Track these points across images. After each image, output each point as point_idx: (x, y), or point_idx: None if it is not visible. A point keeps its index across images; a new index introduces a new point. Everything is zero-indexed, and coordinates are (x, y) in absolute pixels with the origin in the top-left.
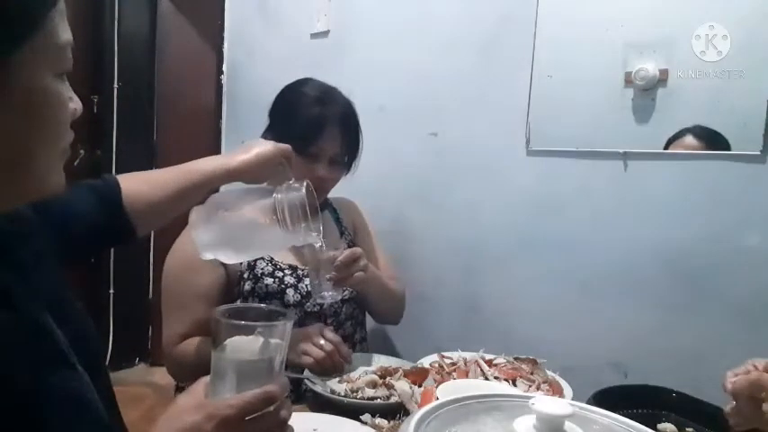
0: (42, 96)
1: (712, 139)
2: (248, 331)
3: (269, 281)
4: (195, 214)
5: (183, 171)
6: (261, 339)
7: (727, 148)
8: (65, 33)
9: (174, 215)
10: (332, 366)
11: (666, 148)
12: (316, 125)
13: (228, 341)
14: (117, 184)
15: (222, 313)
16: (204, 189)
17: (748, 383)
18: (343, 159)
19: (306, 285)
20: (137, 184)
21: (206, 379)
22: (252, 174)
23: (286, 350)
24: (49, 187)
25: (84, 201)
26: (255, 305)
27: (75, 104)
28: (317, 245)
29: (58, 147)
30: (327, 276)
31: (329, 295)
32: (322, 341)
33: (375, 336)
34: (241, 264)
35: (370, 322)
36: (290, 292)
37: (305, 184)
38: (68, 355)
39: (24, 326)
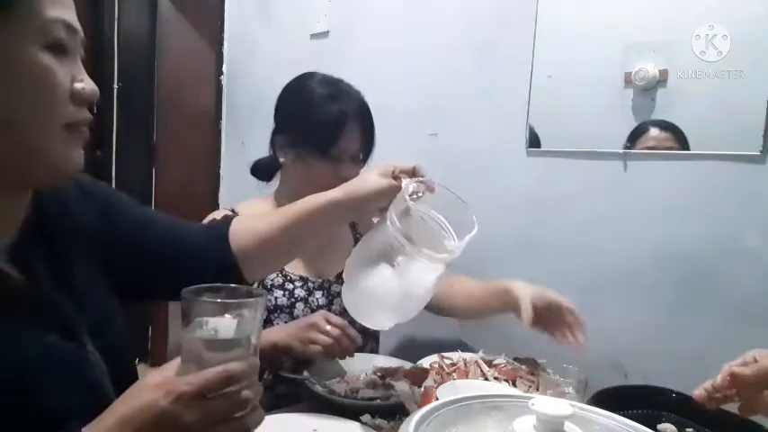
0: (24, 66)
1: (672, 131)
2: (218, 310)
3: (278, 293)
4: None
5: (291, 205)
6: (230, 318)
7: (686, 142)
8: (53, 10)
9: (285, 253)
10: (341, 351)
11: (632, 142)
12: (336, 123)
13: (197, 320)
14: (228, 221)
15: (192, 291)
16: (314, 221)
17: (755, 375)
18: (360, 155)
19: (317, 299)
20: (246, 220)
21: (179, 359)
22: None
23: (260, 330)
24: (59, 163)
25: (192, 232)
26: (229, 285)
27: (86, 84)
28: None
29: (52, 118)
30: None
31: None
32: (328, 327)
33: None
34: None
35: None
36: (299, 305)
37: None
38: (76, 332)
39: (32, 291)
